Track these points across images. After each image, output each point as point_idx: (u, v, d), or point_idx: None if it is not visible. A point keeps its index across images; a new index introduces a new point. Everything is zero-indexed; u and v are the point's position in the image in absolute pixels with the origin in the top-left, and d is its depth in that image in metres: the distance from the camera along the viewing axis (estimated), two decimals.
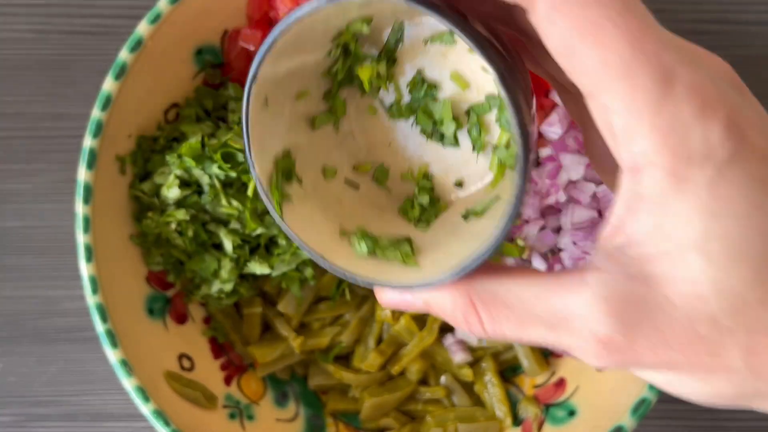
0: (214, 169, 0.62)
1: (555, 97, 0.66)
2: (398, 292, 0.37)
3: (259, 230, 0.63)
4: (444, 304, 0.34)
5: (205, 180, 0.63)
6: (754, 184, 0.27)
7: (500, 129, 0.41)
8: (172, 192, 0.63)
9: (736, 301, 0.28)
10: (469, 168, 0.43)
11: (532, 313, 0.31)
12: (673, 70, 0.27)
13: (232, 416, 0.65)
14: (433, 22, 0.38)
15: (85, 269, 0.60)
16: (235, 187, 0.63)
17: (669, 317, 0.29)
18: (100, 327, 0.60)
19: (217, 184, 0.62)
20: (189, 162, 0.62)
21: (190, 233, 0.64)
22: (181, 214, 0.63)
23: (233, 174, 0.62)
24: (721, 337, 0.28)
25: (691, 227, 0.28)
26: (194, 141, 0.63)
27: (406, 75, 0.42)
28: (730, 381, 0.29)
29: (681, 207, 0.28)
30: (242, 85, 0.69)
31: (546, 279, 0.32)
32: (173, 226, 0.64)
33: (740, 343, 0.28)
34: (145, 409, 0.60)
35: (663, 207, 0.28)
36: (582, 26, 0.27)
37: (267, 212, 0.63)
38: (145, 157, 0.65)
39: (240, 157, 0.62)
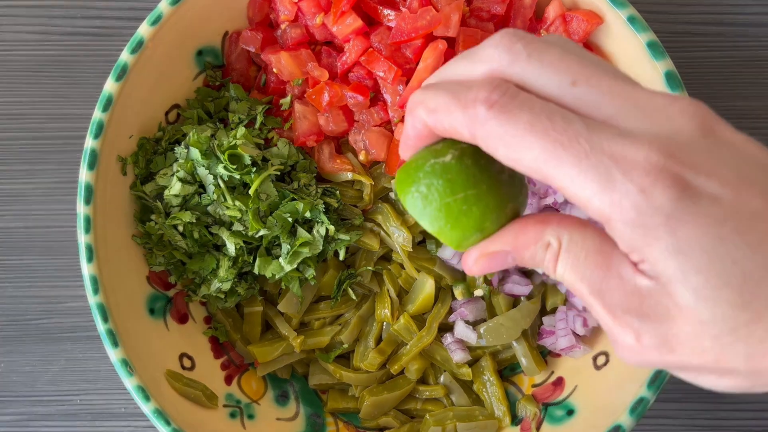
0: (220, 169, 0.63)
1: None
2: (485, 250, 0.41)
3: (262, 231, 0.63)
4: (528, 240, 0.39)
5: (209, 180, 0.63)
6: (707, 220, 0.33)
7: None
8: (174, 188, 0.63)
9: (730, 323, 0.33)
10: None
11: (588, 278, 0.37)
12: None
13: (232, 415, 0.66)
14: None
15: (86, 269, 0.60)
16: (237, 189, 0.64)
17: (678, 332, 0.35)
18: (101, 326, 0.60)
19: (222, 184, 0.63)
20: (195, 154, 0.63)
21: (196, 235, 0.64)
22: (187, 216, 0.63)
23: (237, 176, 0.63)
24: (723, 349, 0.34)
25: (667, 266, 0.34)
26: (203, 134, 0.63)
27: None
28: (736, 379, 0.35)
29: (652, 252, 0.34)
30: (243, 86, 0.69)
31: (603, 260, 0.37)
32: (180, 228, 0.64)
33: (740, 352, 0.34)
34: (146, 408, 0.60)
35: (641, 253, 0.34)
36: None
37: (268, 214, 0.64)
38: (147, 158, 0.65)
39: (247, 160, 0.63)
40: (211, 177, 0.63)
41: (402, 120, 0.64)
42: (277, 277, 0.65)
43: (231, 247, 0.64)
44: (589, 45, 0.65)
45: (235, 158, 0.63)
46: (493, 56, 0.37)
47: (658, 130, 0.34)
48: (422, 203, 0.41)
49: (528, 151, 0.35)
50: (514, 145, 0.35)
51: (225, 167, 0.63)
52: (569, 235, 0.38)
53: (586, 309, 0.66)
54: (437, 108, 0.38)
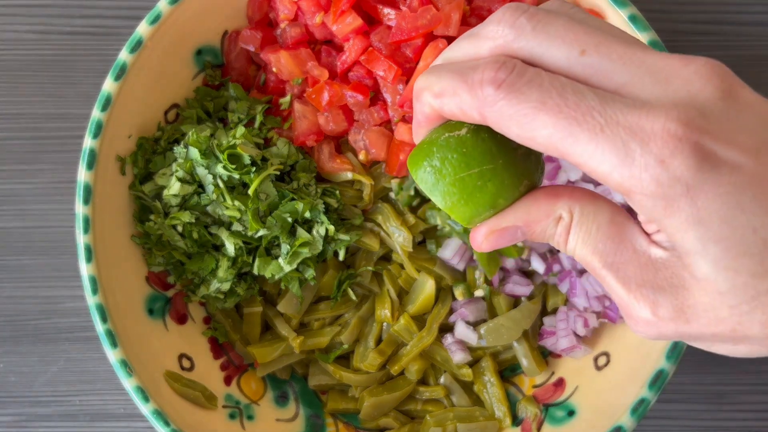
0: (219, 169, 0.63)
1: None
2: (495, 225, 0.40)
3: (261, 232, 0.63)
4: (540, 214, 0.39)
5: (208, 179, 0.63)
6: (727, 189, 0.32)
7: None
8: (173, 188, 0.63)
9: (750, 291, 0.33)
10: None
11: (601, 250, 0.37)
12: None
13: (232, 416, 0.65)
14: None
15: (85, 269, 0.60)
16: (237, 189, 0.64)
17: (695, 303, 0.34)
18: (100, 327, 0.60)
19: (221, 184, 0.63)
20: (195, 154, 0.62)
21: (195, 235, 0.64)
22: (186, 216, 0.63)
23: (237, 175, 0.62)
24: (741, 318, 0.33)
25: (686, 237, 0.33)
26: (203, 134, 0.63)
27: None
28: (753, 346, 0.35)
29: (672, 223, 0.33)
30: (242, 86, 0.69)
31: (617, 232, 0.37)
32: (179, 228, 0.64)
33: (758, 320, 0.33)
34: (145, 409, 0.60)
35: (660, 224, 0.34)
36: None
37: (268, 214, 0.64)
38: (146, 158, 0.65)
39: (246, 159, 0.63)
40: (210, 177, 0.63)
41: (402, 119, 0.64)
42: (276, 277, 0.65)
43: (230, 248, 0.64)
44: None
45: (234, 158, 0.63)
46: (497, 32, 0.36)
47: (674, 96, 0.33)
48: (434, 177, 0.40)
49: (541, 130, 0.34)
50: (527, 125, 0.34)
51: (224, 167, 0.62)
52: (581, 208, 0.37)
53: (587, 309, 0.66)
54: (443, 91, 0.37)
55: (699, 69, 0.34)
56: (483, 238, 0.40)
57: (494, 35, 0.36)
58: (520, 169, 0.39)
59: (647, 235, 0.35)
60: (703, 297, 0.34)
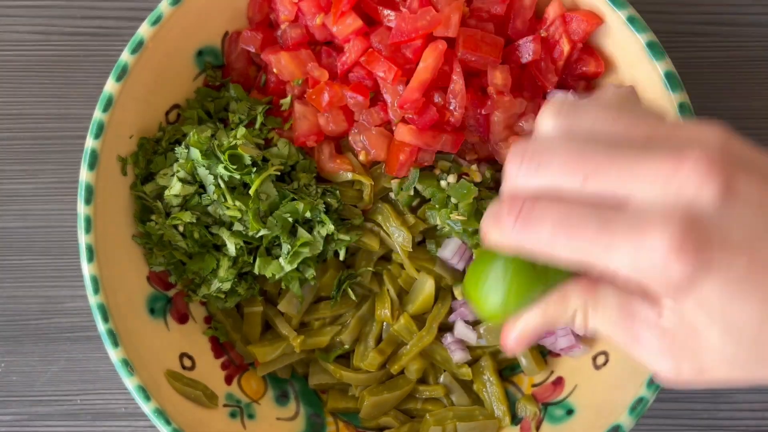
0: (220, 169, 0.63)
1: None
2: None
3: (262, 232, 0.63)
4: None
5: (209, 180, 0.63)
6: (722, 283, 0.37)
7: None
8: (174, 188, 0.63)
9: (753, 355, 0.39)
10: None
11: (620, 327, 0.42)
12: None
13: (232, 415, 0.66)
14: None
15: (86, 269, 0.60)
16: (238, 189, 0.64)
17: (711, 361, 0.40)
18: (101, 327, 0.60)
19: (222, 184, 0.63)
20: (196, 154, 0.63)
21: (196, 235, 0.64)
22: (187, 217, 0.63)
23: (237, 176, 0.63)
24: (752, 371, 0.39)
25: (696, 315, 0.38)
26: (204, 135, 0.63)
27: None
28: None
29: (683, 306, 0.38)
30: (243, 86, 0.69)
31: (627, 311, 0.42)
32: (180, 228, 0.64)
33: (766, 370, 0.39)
34: (147, 408, 0.60)
35: (674, 304, 0.39)
36: None
37: (269, 214, 0.64)
38: (147, 158, 0.65)
39: (247, 160, 0.63)
40: (211, 177, 0.63)
41: (402, 120, 0.64)
42: (277, 277, 0.65)
43: (231, 247, 0.64)
44: (589, 45, 0.65)
45: (235, 158, 0.63)
46: (510, 174, 0.41)
47: (673, 205, 0.36)
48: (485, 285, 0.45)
49: (561, 252, 0.39)
50: (548, 250, 0.39)
51: (225, 167, 0.63)
52: (592, 301, 0.42)
53: None
54: (487, 231, 0.42)
55: (694, 169, 0.36)
56: (515, 345, 0.47)
57: (508, 177, 0.41)
58: (547, 279, 0.44)
59: (654, 307, 0.40)
60: (716, 356, 0.39)
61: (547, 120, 0.42)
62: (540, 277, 0.43)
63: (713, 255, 0.36)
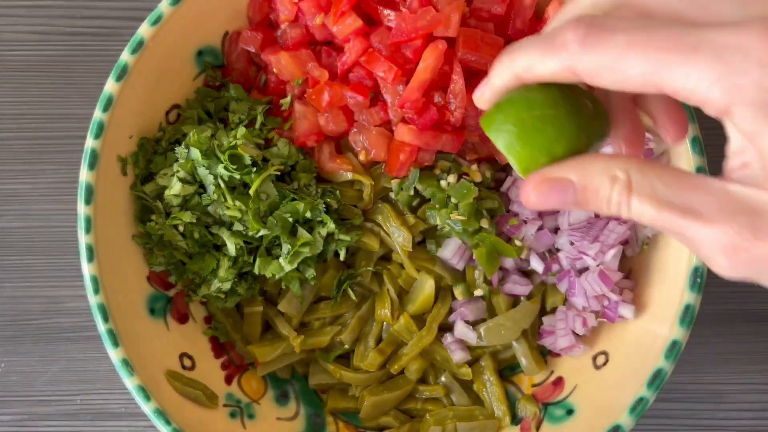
0: (220, 169, 0.63)
1: None
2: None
3: (262, 232, 0.63)
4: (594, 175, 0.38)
5: (209, 180, 0.63)
6: None
7: None
8: (174, 188, 0.63)
9: None
10: None
11: (671, 200, 0.36)
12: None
13: (232, 415, 0.66)
14: None
15: (86, 269, 0.60)
16: (238, 189, 0.64)
17: None
18: (101, 327, 0.60)
19: (222, 184, 0.63)
20: (196, 154, 0.63)
21: (196, 235, 0.64)
22: (187, 217, 0.63)
23: (237, 176, 0.63)
24: None
25: None
26: (204, 135, 0.63)
27: None
28: None
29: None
30: (243, 86, 0.69)
31: (686, 177, 0.37)
32: (180, 228, 0.64)
33: None
34: (147, 408, 0.60)
35: (759, 138, 0.34)
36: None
37: (269, 214, 0.64)
38: (147, 158, 0.66)
39: (247, 160, 0.63)
40: (211, 177, 0.63)
41: (402, 120, 0.64)
42: (277, 277, 0.65)
43: (231, 247, 0.64)
44: None
45: (235, 158, 0.63)
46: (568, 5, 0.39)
47: (757, 14, 0.34)
48: (499, 118, 0.42)
49: (633, 68, 0.35)
50: (617, 68, 0.35)
51: (225, 167, 0.63)
52: (638, 167, 0.37)
53: (586, 309, 0.66)
54: (531, 64, 0.38)
55: None
56: (533, 188, 0.40)
57: (567, 8, 0.39)
58: (581, 125, 0.41)
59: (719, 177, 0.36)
60: None
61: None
62: (583, 128, 0.40)
63: None
